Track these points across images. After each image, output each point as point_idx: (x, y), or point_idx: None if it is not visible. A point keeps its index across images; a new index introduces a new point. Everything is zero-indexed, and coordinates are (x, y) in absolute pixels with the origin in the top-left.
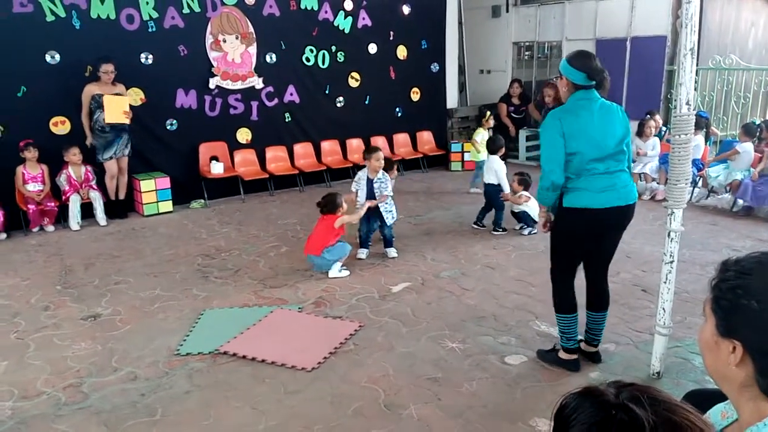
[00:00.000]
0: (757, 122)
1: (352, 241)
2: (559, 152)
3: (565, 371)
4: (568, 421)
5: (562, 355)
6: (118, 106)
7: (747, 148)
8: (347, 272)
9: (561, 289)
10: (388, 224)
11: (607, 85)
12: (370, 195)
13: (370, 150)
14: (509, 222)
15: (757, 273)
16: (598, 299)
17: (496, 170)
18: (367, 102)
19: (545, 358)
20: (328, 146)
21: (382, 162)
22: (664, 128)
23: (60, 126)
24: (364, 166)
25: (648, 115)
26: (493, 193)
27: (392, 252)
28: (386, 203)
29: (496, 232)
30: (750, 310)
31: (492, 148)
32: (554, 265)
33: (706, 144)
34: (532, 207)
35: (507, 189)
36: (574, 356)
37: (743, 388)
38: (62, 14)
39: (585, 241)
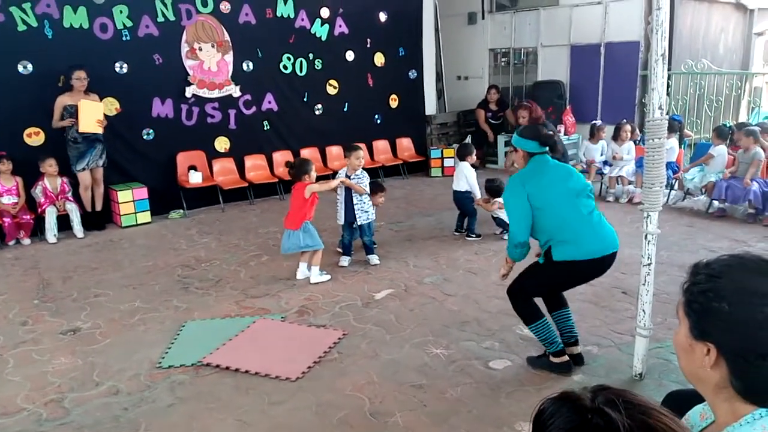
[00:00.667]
0: (729, 125)
1: (333, 248)
2: (526, 214)
3: (548, 374)
4: (545, 426)
5: (554, 359)
6: (93, 112)
7: (721, 150)
8: (328, 276)
9: (521, 304)
10: (359, 223)
11: (560, 148)
12: (348, 193)
13: (350, 148)
14: (489, 227)
15: (727, 276)
16: (557, 300)
17: (467, 176)
18: (345, 109)
19: (536, 365)
20: (308, 154)
21: (362, 161)
22: (641, 135)
23: (34, 137)
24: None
25: (624, 120)
26: (462, 199)
27: (374, 259)
28: (362, 202)
29: (470, 238)
30: (722, 312)
31: (461, 154)
32: (522, 291)
33: (680, 147)
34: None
35: (478, 195)
36: (565, 358)
37: (718, 390)
38: (34, 24)
39: (568, 284)
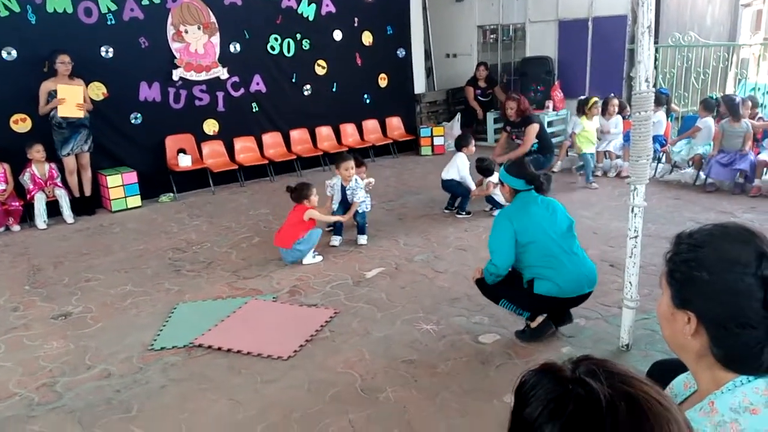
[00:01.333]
0: (715, 96)
1: (324, 227)
2: (509, 250)
3: (537, 346)
4: (527, 398)
5: (533, 324)
6: (72, 96)
7: (708, 123)
8: (320, 258)
9: (489, 289)
10: (361, 211)
11: (547, 187)
12: (345, 200)
13: (339, 158)
14: (479, 204)
15: (709, 245)
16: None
17: (459, 167)
18: (334, 89)
19: (523, 338)
20: (298, 135)
21: (352, 171)
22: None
23: (21, 123)
24: (334, 154)
25: (612, 94)
26: (450, 186)
27: (362, 239)
28: (357, 196)
29: (459, 215)
30: (702, 281)
31: (459, 144)
32: (501, 296)
33: (668, 120)
34: (499, 193)
35: (472, 186)
36: (542, 317)
37: (700, 358)
38: (16, 9)
39: (540, 311)
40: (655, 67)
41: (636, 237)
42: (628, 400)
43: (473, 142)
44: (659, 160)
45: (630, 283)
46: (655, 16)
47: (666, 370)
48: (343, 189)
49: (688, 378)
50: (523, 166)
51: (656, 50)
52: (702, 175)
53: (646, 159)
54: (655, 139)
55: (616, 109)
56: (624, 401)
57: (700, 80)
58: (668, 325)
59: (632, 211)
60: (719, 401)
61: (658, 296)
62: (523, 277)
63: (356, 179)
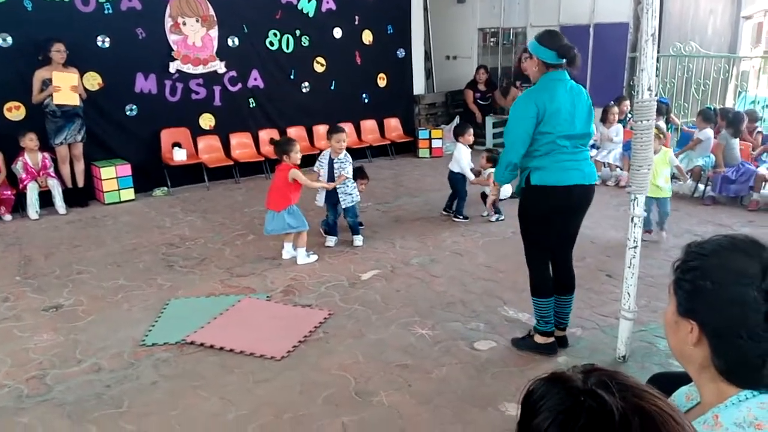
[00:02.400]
0: (713, 108)
1: (317, 228)
2: (526, 137)
3: (533, 355)
4: (535, 408)
5: (539, 339)
6: (67, 83)
7: (707, 134)
8: (315, 257)
9: (537, 272)
10: (344, 206)
11: (578, 63)
12: (331, 176)
13: (332, 130)
14: (477, 209)
15: (714, 255)
16: (565, 282)
17: (458, 158)
18: (333, 87)
19: (520, 345)
20: (294, 132)
21: (343, 143)
22: (629, 115)
23: (14, 111)
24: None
25: (613, 102)
26: (455, 180)
27: (358, 240)
28: (345, 185)
29: (456, 219)
30: (706, 291)
31: (457, 133)
32: (528, 249)
33: (668, 131)
34: (504, 190)
35: (471, 177)
36: (551, 339)
37: (703, 369)
38: None
39: (552, 220)
40: (656, 76)
41: (635, 247)
42: (641, 414)
43: (471, 131)
44: None
45: (628, 293)
46: (658, 24)
47: (664, 384)
48: (331, 162)
49: (691, 390)
50: (557, 36)
51: (657, 59)
52: (701, 186)
53: (647, 168)
54: None
55: (617, 117)
56: (638, 416)
57: (700, 91)
58: (672, 334)
59: (632, 221)
60: (723, 415)
61: (655, 308)
62: (520, 175)
63: (345, 154)
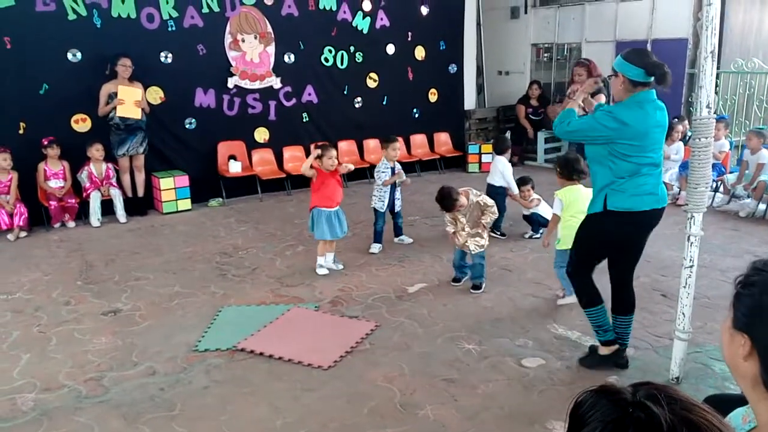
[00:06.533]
0: (765, 127)
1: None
2: (592, 137)
3: (582, 374)
4: (583, 419)
5: (603, 350)
6: (131, 97)
7: (766, 154)
8: (341, 266)
9: (581, 284)
10: (396, 209)
11: (669, 81)
12: (392, 184)
13: (388, 140)
14: (518, 227)
15: None
16: (625, 302)
17: (502, 171)
18: (384, 103)
19: (587, 363)
20: (346, 146)
21: (398, 152)
22: (689, 133)
23: (81, 123)
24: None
25: (676, 119)
26: (494, 195)
27: (406, 239)
28: (379, 191)
29: (494, 235)
30: (760, 306)
31: (498, 148)
32: (577, 263)
33: (728, 148)
34: (543, 209)
35: (515, 190)
36: (615, 346)
37: (755, 386)
38: (84, 13)
39: (621, 244)
40: (716, 93)
41: (691, 267)
42: (689, 426)
43: (511, 145)
44: (716, 190)
45: (683, 314)
46: (718, 40)
47: (718, 405)
48: (393, 169)
49: (747, 412)
50: (645, 53)
51: (717, 75)
52: (761, 207)
53: (705, 186)
54: (714, 167)
55: (679, 135)
56: (686, 427)
57: (762, 108)
58: (727, 347)
59: (688, 239)
60: None
61: (711, 329)
62: (594, 198)
63: (396, 164)
